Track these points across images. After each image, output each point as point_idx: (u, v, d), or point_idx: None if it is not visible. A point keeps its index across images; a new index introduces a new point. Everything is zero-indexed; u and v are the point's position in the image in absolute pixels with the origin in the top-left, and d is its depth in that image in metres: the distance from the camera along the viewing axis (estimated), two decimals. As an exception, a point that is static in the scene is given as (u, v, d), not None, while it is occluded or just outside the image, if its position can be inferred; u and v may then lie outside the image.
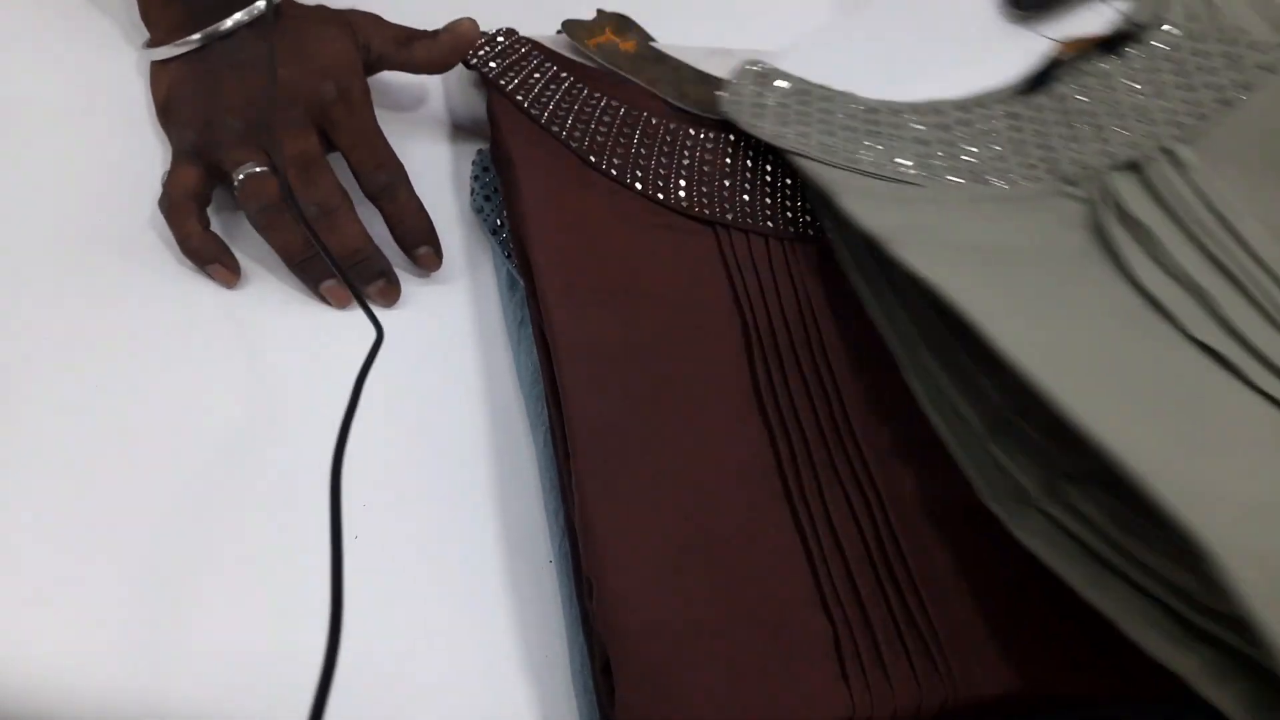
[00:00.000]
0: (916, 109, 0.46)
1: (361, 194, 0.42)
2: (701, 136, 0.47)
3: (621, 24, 0.51)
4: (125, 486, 0.34)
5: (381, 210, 0.42)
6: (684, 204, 0.44)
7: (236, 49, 0.41)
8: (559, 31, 0.49)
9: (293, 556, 0.34)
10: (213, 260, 0.40)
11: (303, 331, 0.40)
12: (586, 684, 0.32)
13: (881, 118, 0.46)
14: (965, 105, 0.46)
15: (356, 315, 0.40)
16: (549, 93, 0.46)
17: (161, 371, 0.38)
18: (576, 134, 0.45)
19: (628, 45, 0.50)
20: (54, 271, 0.39)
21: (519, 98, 0.45)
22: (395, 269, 0.42)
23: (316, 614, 0.27)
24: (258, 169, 0.40)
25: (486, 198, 0.46)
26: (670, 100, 0.49)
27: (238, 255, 0.41)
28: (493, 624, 0.34)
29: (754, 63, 0.48)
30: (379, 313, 0.39)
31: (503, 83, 0.45)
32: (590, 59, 0.49)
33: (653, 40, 0.51)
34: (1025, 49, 0.49)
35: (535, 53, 0.47)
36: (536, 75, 0.46)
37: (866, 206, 0.39)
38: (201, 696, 0.31)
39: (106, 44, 0.47)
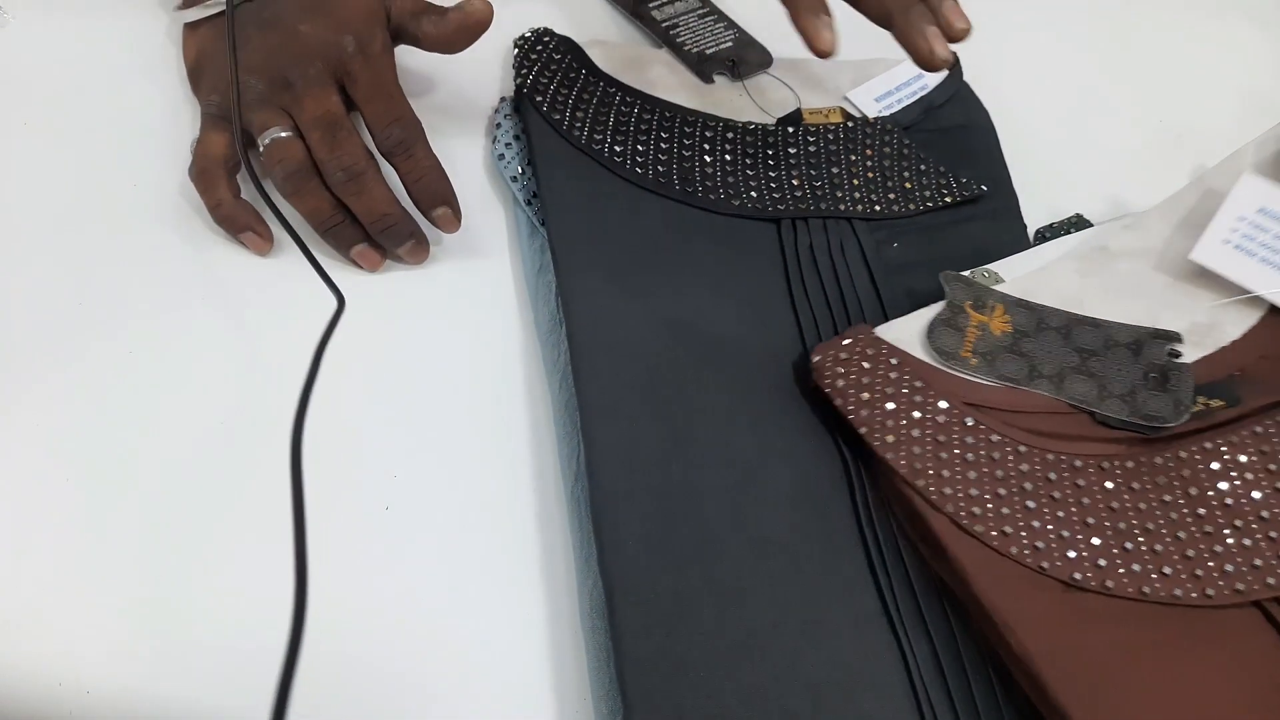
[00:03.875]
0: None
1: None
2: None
3: None
4: (136, 458, 0.35)
5: (397, 168, 0.41)
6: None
7: (261, 7, 0.42)
8: None
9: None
10: (245, 228, 0.41)
11: (323, 299, 0.40)
12: (595, 625, 0.34)
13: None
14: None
15: (379, 282, 0.41)
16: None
17: (192, 341, 0.39)
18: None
19: None
20: (85, 240, 0.40)
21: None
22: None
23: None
24: (283, 133, 0.40)
25: (508, 144, 0.47)
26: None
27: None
28: (522, 583, 0.36)
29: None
30: (363, 276, 0.40)
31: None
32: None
33: None
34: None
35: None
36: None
37: None
38: (188, 669, 0.32)
39: (141, 8, 0.48)
